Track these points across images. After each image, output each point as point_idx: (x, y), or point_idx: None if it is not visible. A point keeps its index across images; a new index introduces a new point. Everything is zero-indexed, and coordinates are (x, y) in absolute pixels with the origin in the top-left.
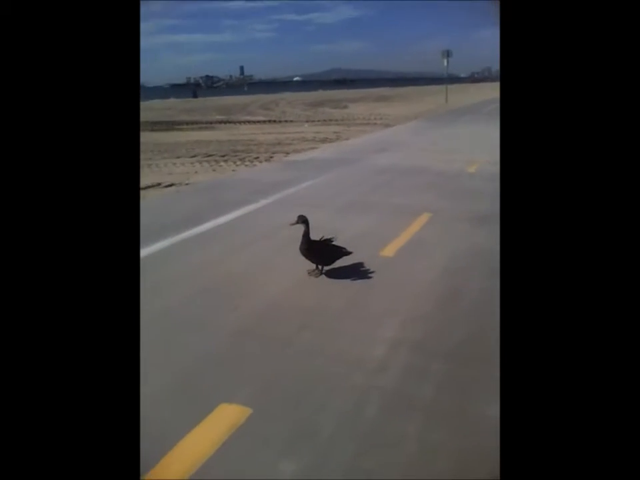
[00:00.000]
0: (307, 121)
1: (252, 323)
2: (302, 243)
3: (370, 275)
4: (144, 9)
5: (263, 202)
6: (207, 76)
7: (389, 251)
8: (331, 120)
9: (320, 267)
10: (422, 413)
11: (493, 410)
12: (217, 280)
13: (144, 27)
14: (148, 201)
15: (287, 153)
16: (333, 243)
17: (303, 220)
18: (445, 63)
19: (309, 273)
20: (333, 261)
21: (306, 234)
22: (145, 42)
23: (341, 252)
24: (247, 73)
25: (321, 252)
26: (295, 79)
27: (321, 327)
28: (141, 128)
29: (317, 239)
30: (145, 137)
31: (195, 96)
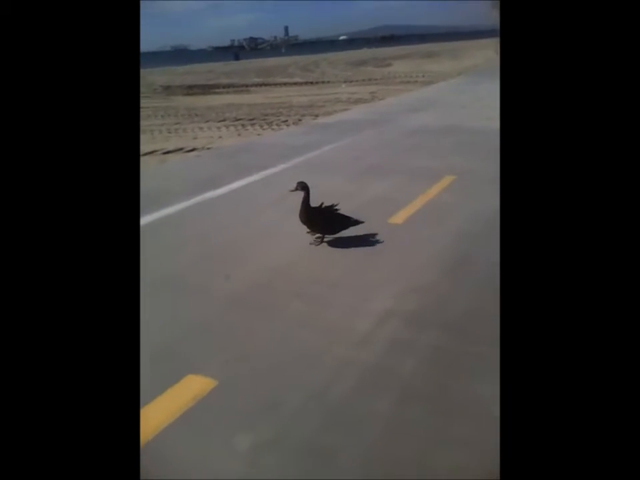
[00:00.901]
0: (344, 82)
1: (244, 292)
2: (301, 211)
3: (374, 243)
4: None
5: (281, 166)
6: (251, 38)
7: (399, 217)
8: (370, 79)
9: (322, 236)
10: (398, 391)
11: (478, 389)
12: (218, 247)
13: None
14: (166, 166)
15: (317, 116)
16: (336, 209)
17: (302, 186)
18: (495, 14)
19: (310, 243)
20: (338, 231)
21: (305, 201)
22: (188, 5)
23: (348, 221)
24: (291, 33)
25: (323, 220)
26: (341, 37)
27: (313, 297)
28: (177, 92)
29: (324, 205)
30: (178, 101)
31: (237, 58)
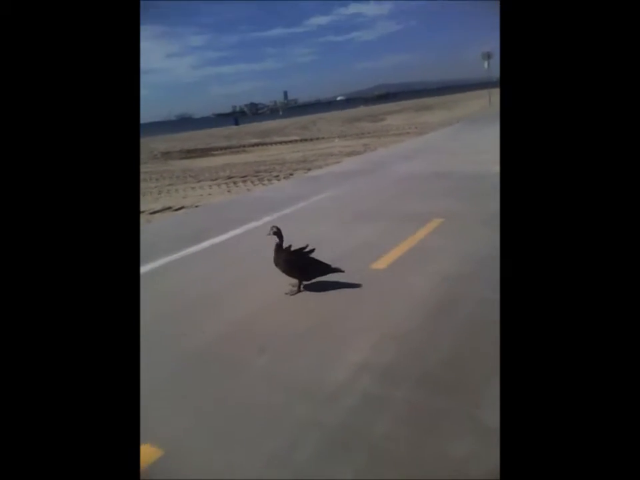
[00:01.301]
0: (338, 137)
1: (211, 347)
2: (275, 256)
3: (353, 290)
4: (187, 42)
5: (265, 219)
6: (252, 103)
7: (382, 263)
8: (363, 133)
9: (299, 283)
10: (366, 456)
11: (455, 450)
12: (190, 301)
13: (190, 60)
14: (151, 225)
15: (309, 169)
16: (307, 251)
17: (274, 232)
18: (486, 65)
19: (285, 293)
20: (315, 277)
21: (278, 246)
22: (191, 75)
23: (326, 268)
24: (290, 96)
25: (298, 265)
26: (339, 98)
27: (281, 350)
28: (175, 156)
29: (292, 248)
30: (175, 165)
31: (237, 123)
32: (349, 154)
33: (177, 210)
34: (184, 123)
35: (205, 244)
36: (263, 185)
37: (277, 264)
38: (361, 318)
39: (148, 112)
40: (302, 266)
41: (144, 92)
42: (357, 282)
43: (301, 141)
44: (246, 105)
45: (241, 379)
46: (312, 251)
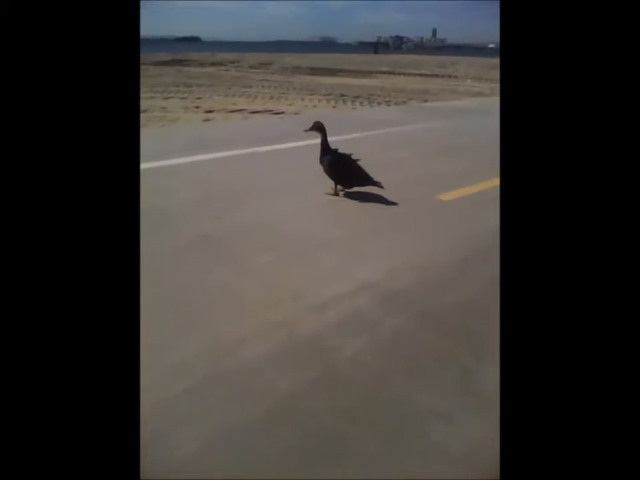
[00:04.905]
0: (470, 78)
1: (222, 235)
2: (321, 154)
3: (408, 211)
4: None
5: (353, 135)
6: (397, 36)
7: (451, 196)
8: (497, 79)
9: (335, 186)
10: (326, 365)
11: (419, 388)
12: (229, 190)
13: None
14: (245, 122)
15: (425, 101)
16: (352, 157)
17: (317, 127)
18: None
19: (326, 193)
20: (354, 185)
21: (323, 142)
22: (342, 1)
23: (368, 178)
24: (439, 36)
25: (342, 168)
26: (490, 45)
27: (293, 254)
28: (302, 72)
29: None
30: (298, 79)
31: (376, 52)
32: (475, 95)
33: (276, 114)
34: (326, 45)
35: (282, 145)
36: (371, 107)
37: (321, 162)
38: (394, 241)
39: (294, 31)
40: (344, 169)
41: (292, 9)
42: (415, 207)
43: (431, 76)
44: (391, 37)
45: (239, 269)
46: (357, 160)
